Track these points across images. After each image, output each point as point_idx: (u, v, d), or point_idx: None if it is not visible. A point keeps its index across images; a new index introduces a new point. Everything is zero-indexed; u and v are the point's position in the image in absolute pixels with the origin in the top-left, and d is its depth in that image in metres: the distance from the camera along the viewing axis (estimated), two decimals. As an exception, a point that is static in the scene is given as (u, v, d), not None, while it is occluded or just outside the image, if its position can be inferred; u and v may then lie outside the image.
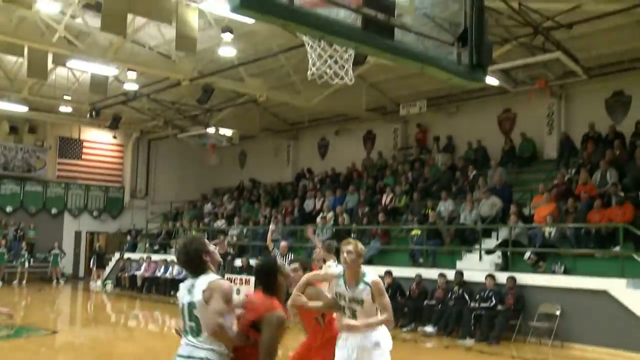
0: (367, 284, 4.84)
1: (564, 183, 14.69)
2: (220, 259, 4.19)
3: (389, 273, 14.03)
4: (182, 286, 3.90)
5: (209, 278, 3.77)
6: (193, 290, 3.76)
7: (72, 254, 25.96)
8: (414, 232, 15.72)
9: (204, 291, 3.70)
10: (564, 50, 12.90)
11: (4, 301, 18.18)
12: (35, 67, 16.77)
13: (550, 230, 13.16)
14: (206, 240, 3.98)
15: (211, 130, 22.12)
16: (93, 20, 15.36)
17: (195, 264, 3.83)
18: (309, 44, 4.44)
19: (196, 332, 3.72)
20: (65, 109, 22.87)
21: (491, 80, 13.62)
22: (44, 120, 24.81)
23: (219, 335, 3.66)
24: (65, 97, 21.58)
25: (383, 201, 18.27)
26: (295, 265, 5.57)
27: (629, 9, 12.21)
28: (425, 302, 13.55)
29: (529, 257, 13.07)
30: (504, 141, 18.21)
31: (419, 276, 14.02)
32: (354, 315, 4.86)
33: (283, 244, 14.83)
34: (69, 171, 26.52)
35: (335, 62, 4.38)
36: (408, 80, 18.31)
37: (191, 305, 3.75)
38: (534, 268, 12.96)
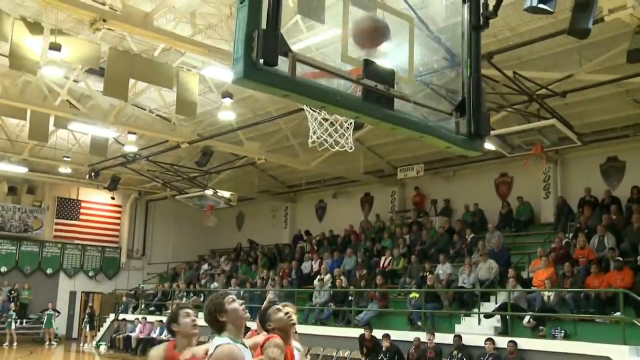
0: None
1: (562, 247, 14.70)
2: (247, 316, 3.99)
3: (387, 336, 13.85)
4: None
5: (218, 341, 3.70)
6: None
7: (66, 315, 25.59)
8: (412, 295, 15.59)
9: (210, 355, 3.66)
10: (558, 118, 13.17)
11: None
12: (36, 130, 16.99)
13: (549, 295, 13.09)
14: (229, 298, 3.88)
15: (209, 192, 22.22)
16: (95, 84, 15.67)
17: (212, 324, 3.79)
18: (309, 113, 4.56)
19: None
20: (64, 170, 23.03)
21: (488, 145, 13.84)
22: (43, 181, 24.97)
23: None
24: (65, 159, 21.79)
25: (381, 264, 18.20)
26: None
27: (619, 80, 12.59)
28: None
29: (529, 321, 12.94)
30: (501, 205, 18.30)
31: (417, 339, 13.82)
32: None
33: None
34: (66, 231, 26.46)
35: (336, 130, 4.49)
36: (405, 144, 18.58)
37: None
38: (533, 332, 12.81)
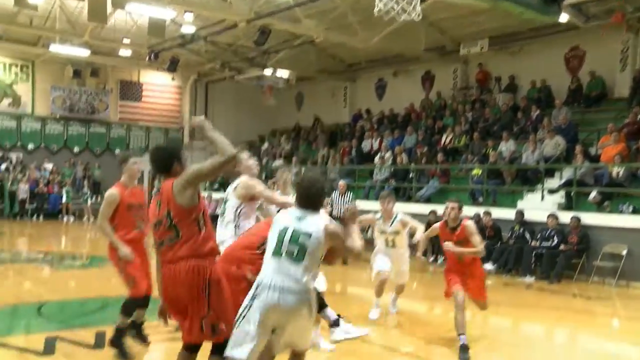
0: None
1: (636, 122, 14.08)
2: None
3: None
4: (287, 212, 4.10)
5: (324, 219, 4.01)
6: (305, 220, 3.96)
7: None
8: (474, 172, 15.49)
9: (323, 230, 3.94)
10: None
11: (76, 236, 19.14)
12: (95, 10, 16.96)
13: (618, 170, 12.73)
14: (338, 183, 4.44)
15: (268, 72, 22.11)
16: (152, -39, 15.34)
17: (315, 204, 4.06)
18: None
19: (295, 258, 3.87)
20: (124, 52, 23.20)
21: (561, 17, 13.03)
22: (105, 63, 25.32)
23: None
24: (125, 41, 21.86)
25: (442, 141, 18.02)
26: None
27: None
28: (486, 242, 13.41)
29: (594, 197, 12.72)
30: (570, 80, 17.50)
31: (477, 215, 13.85)
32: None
33: (341, 182, 14.94)
34: (130, 113, 27.16)
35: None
36: (469, 18, 17.70)
37: (300, 233, 3.92)
38: (599, 208, 12.63)
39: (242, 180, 5.71)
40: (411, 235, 7.81)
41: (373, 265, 7.95)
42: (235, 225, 5.57)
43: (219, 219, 5.76)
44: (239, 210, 5.63)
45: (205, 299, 3.76)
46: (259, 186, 5.69)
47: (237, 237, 5.21)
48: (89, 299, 8.57)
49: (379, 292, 7.84)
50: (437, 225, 6.84)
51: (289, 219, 4.02)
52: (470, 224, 6.52)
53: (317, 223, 3.92)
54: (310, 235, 3.87)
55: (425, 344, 6.76)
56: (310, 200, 4.04)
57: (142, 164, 6.09)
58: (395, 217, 7.97)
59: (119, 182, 5.99)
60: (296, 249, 3.86)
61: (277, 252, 3.92)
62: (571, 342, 7.75)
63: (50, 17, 20.64)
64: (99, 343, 6.08)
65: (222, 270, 4.16)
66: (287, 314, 3.81)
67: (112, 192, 5.84)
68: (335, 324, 6.17)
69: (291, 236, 3.90)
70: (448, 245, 6.44)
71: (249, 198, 5.66)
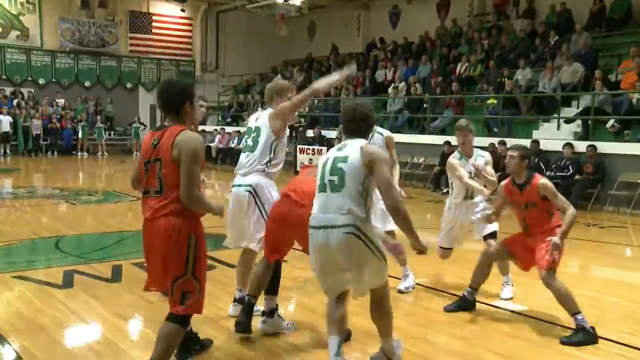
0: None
1: (660, 45, 13.62)
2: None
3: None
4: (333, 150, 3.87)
5: (362, 142, 3.78)
6: (345, 147, 3.75)
7: (148, 128, 26.79)
8: (489, 102, 15.23)
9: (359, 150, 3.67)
10: None
11: (91, 171, 19.29)
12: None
13: (639, 97, 12.41)
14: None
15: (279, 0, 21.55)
16: None
17: (359, 130, 3.85)
18: None
19: (336, 187, 3.65)
20: (133, -20, 22.72)
21: None
22: (113, -7, 24.86)
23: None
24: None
25: (457, 70, 17.66)
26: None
27: None
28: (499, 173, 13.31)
29: (613, 126, 12.49)
30: (592, 2, 16.85)
31: (492, 145, 13.70)
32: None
33: None
34: (140, 45, 26.78)
35: None
36: None
37: (338, 159, 3.70)
38: (617, 137, 12.41)
39: (273, 112, 4.81)
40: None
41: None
42: (269, 162, 4.72)
43: (246, 154, 4.80)
44: (274, 145, 4.75)
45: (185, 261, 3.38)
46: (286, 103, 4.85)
47: (268, 175, 4.73)
48: (105, 233, 8.68)
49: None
50: (502, 184, 5.28)
51: (332, 151, 3.86)
52: (547, 183, 4.96)
53: (355, 146, 3.70)
54: (347, 158, 3.65)
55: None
56: (353, 125, 3.84)
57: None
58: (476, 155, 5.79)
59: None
60: (336, 177, 3.64)
61: (321, 187, 3.73)
62: (584, 271, 7.76)
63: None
64: (115, 276, 6.20)
65: (290, 211, 4.12)
66: (339, 251, 3.58)
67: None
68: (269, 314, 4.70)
69: (331, 166, 3.70)
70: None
71: (283, 127, 4.83)
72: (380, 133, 5.73)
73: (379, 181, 3.60)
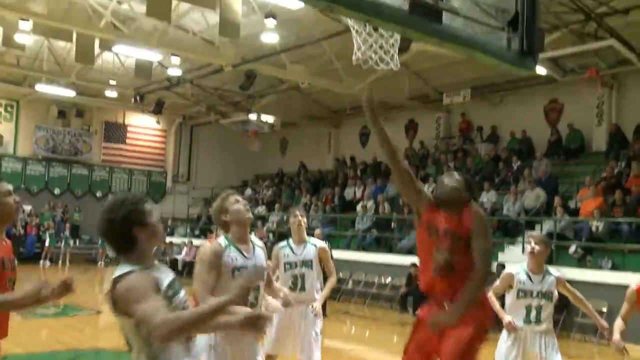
0: None
1: (613, 176, 14.24)
2: (248, 215, 4.27)
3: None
4: None
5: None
6: None
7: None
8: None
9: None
10: (618, 37, 12.44)
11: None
12: (82, 52, 17.09)
13: (597, 224, 12.79)
14: (232, 199, 4.37)
15: (253, 116, 22.19)
16: (139, 6, 15.54)
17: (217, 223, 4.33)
18: (354, 29, 4.35)
19: None
20: (110, 93, 23.27)
21: (539, 70, 13.25)
22: (91, 104, 25.33)
23: None
24: (111, 82, 21.97)
25: (424, 191, 18.02)
26: None
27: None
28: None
29: (575, 251, 12.73)
30: (550, 132, 17.74)
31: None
32: None
33: (317, 231, 14.73)
34: (113, 155, 27.04)
35: (381, 47, 4.30)
36: (452, 68, 17.96)
37: None
38: (580, 263, 12.62)
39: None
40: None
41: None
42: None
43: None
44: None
45: None
46: None
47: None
48: (58, 351, 8.32)
49: None
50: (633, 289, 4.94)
51: None
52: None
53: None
54: None
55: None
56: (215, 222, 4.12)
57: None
58: (546, 271, 5.27)
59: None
60: None
61: None
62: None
63: (38, 58, 20.74)
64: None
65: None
66: None
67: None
68: None
69: None
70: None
71: None
72: (314, 244, 5.66)
73: None
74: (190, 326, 2.48)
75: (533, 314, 5.16)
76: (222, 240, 4.12)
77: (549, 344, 5.24)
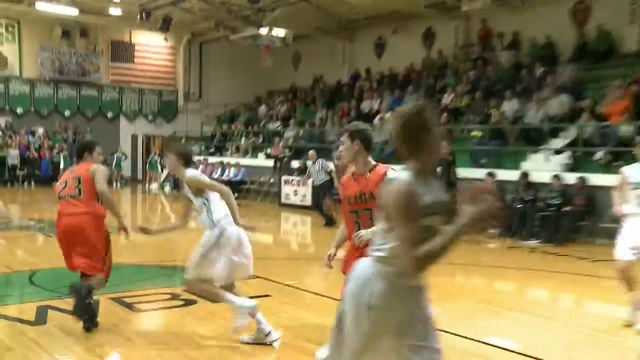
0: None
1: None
2: None
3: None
4: None
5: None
6: None
7: (130, 158, 26.36)
8: (473, 134, 15.12)
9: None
10: None
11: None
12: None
13: (627, 129, 12.35)
14: None
15: (264, 30, 21.48)
16: None
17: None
18: None
19: None
20: (115, 11, 22.55)
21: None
22: (95, 23, 24.63)
23: None
24: (114, -1, 21.23)
25: (443, 101, 17.59)
26: None
27: None
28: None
29: (602, 157, 12.38)
30: (575, 36, 16.96)
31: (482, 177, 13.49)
32: None
33: (311, 152, 14.59)
34: (122, 75, 26.54)
35: None
36: (471, -30, 17.09)
37: None
38: (606, 168, 12.30)
39: None
40: None
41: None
42: None
43: None
44: None
45: None
46: None
47: None
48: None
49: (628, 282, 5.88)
50: None
51: None
52: None
53: None
54: None
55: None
56: None
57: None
58: None
59: None
60: None
61: None
62: (577, 305, 7.52)
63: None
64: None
65: None
66: None
67: None
68: None
69: None
70: None
71: None
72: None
73: None
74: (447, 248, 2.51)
75: None
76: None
77: None
